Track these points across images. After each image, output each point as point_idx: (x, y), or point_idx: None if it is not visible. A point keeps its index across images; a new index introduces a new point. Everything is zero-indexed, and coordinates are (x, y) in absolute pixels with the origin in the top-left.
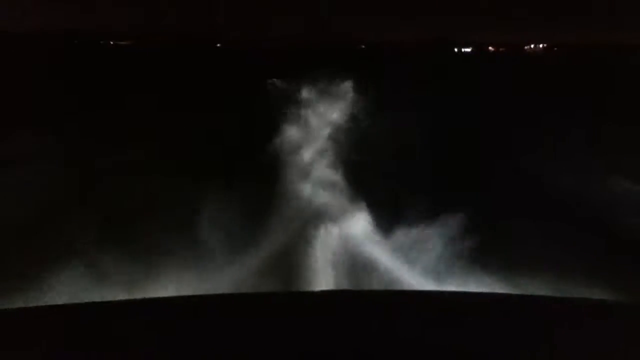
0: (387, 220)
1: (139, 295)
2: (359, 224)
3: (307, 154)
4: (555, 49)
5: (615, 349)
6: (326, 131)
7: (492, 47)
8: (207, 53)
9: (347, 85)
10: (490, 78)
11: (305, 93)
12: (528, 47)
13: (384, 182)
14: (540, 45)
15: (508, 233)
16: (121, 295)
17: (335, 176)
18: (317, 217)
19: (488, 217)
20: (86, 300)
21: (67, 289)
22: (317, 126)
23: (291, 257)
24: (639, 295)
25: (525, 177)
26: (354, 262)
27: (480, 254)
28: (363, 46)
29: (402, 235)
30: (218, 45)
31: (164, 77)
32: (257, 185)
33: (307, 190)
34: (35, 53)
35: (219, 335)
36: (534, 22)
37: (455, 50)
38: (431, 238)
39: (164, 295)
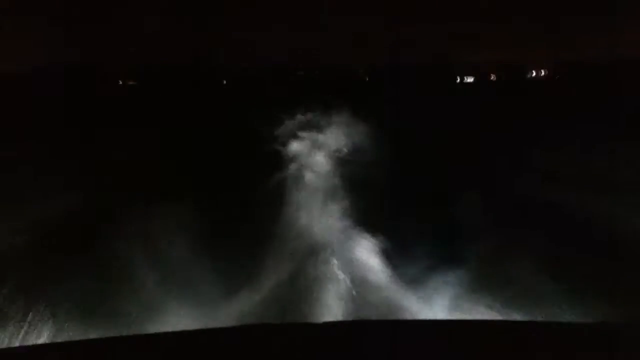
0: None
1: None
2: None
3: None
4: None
5: None
6: (319, 158)
7: (493, 74)
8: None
9: (343, 111)
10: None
11: (303, 117)
12: (529, 74)
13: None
14: (542, 71)
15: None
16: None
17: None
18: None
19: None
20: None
21: None
22: (309, 152)
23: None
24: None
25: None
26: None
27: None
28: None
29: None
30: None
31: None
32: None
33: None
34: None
35: None
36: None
37: (458, 79)
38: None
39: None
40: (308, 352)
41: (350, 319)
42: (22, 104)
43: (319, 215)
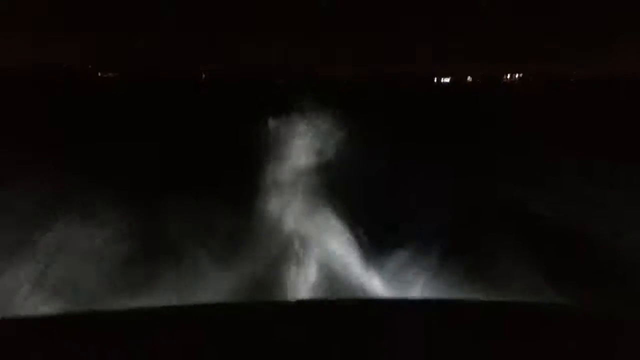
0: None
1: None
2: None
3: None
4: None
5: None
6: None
7: (471, 78)
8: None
9: (326, 118)
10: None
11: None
12: (505, 78)
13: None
14: (517, 76)
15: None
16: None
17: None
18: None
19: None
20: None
21: None
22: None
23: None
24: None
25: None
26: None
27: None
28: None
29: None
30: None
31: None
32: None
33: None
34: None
35: (191, 346)
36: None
37: (435, 80)
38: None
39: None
40: (281, 330)
41: (324, 297)
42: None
43: None
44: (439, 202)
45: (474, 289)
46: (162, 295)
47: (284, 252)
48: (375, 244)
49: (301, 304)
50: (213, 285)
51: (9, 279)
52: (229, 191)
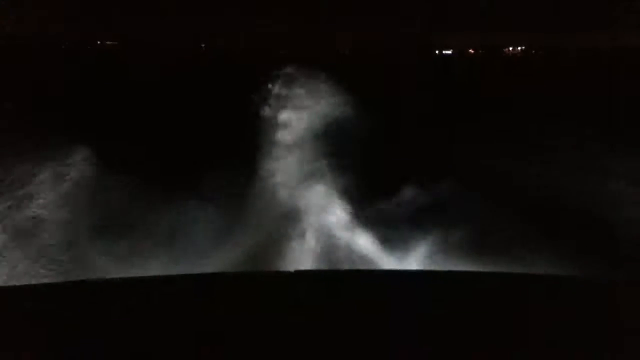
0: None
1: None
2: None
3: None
4: (534, 51)
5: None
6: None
7: (472, 50)
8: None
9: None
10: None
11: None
12: (507, 49)
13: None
14: (519, 48)
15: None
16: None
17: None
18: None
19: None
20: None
21: None
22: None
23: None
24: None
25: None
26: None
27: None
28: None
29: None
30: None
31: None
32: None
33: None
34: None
35: (185, 314)
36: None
37: (437, 52)
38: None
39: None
40: (279, 300)
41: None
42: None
43: None
44: (439, 172)
45: (473, 260)
46: (161, 266)
47: (284, 223)
48: (375, 214)
49: (299, 274)
50: (213, 256)
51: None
52: (228, 163)
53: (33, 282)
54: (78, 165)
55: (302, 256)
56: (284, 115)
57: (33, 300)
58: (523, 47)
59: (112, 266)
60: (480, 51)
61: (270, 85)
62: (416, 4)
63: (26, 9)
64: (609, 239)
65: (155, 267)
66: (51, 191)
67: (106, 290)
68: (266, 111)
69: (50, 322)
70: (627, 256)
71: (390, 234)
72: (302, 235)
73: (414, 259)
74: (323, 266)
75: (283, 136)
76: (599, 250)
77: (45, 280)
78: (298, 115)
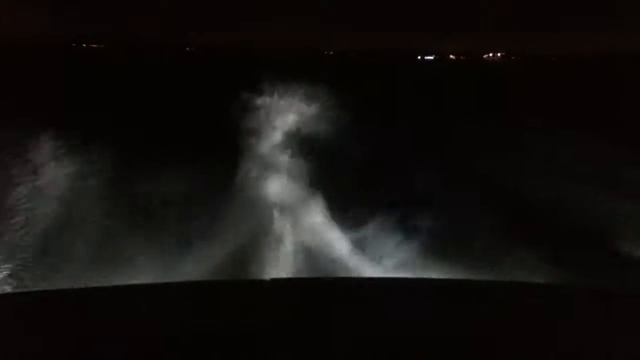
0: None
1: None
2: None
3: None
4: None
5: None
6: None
7: (453, 56)
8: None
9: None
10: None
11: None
12: (487, 55)
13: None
14: (499, 54)
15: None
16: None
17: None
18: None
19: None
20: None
21: None
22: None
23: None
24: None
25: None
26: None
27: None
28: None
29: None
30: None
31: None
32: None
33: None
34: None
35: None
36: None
37: (418, 57)
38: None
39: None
40: (256, 309)
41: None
42: None
43: None
44: (423, 178)
45: (456, 268)
46: (141, 271)
47: (264, 229)
48: (360, 222)
49: (276, 282)
50: (191, 261)
51: None
52: (209, 163)
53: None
54: None
55: (281, 263)
56: (265, 118)
57: (24, 308)
58: (503, 53)
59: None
60: (461, 57)
61: (250, 85)
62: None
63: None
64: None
65: (133, 272)
66: None
67: (86, 298)
68: (247, 111)
69: (39, 331)
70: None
71: (376, 240)
72: (282, 241)
73: (392, 265)
74: (302, 270)
75: (265, 138)
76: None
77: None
78: (278, 115)
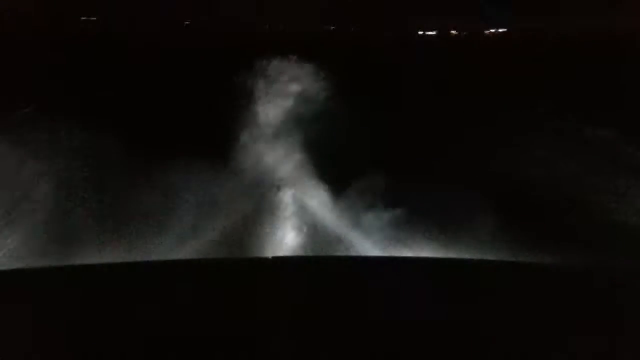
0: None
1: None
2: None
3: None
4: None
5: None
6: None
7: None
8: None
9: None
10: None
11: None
12: (488, 31)
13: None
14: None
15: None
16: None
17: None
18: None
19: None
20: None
21: None
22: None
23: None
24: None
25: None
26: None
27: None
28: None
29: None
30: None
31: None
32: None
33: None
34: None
35: (169, 301)
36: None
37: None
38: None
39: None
40: (258, 287)
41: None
42: None
43: None
44: (424, 158)
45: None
46: (139, 251)
47: (265, 206)
48: (359, 201)
49: (277, 260)
50: (191, 239)
51: None
52: (209, 144)
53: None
54: None
55: (283, 241)
56: (265, 99)
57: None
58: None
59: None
60: (463, 33)
61: (250, 68)
62: None
63: None
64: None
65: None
66: None
67: (89, 275)
68: (249, 94)
69: (41, 307)
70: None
71: (376, 220)
72: (284, 219)
73: (388, 244)
74: (303, 249)
75: (266, 115)
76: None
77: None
78: (278, 99)
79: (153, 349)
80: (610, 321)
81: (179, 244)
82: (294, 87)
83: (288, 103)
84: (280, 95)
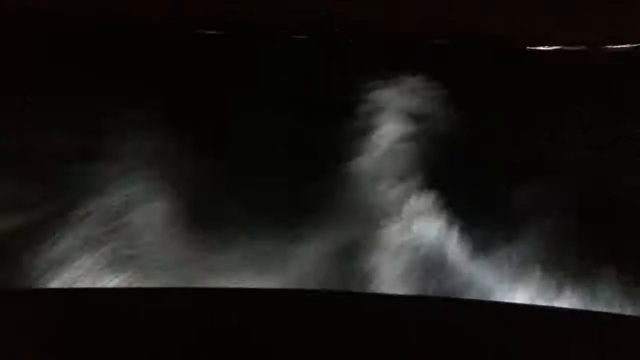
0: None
1: None
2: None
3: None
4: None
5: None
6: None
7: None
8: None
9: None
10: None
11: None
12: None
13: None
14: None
15: None
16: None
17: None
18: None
19: None
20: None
21: None
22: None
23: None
24: None
25: None
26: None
27: None
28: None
29: None
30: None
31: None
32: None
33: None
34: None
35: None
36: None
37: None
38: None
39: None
40: (282, 320)
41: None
42: None
43: None
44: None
45: None
46: (233, 273)
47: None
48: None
49: (303, 292)
50: (283, 266)
51: None
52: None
53: None
54: None
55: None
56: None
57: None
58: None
59: None
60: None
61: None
62: None
63: None
64: None
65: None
66: None
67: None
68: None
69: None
70: None
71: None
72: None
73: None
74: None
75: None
76: None
77: None
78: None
79: None
80: None
81: (272, 267)
82: (390, 102)
83: (385, 122)
84: (376, 116)
